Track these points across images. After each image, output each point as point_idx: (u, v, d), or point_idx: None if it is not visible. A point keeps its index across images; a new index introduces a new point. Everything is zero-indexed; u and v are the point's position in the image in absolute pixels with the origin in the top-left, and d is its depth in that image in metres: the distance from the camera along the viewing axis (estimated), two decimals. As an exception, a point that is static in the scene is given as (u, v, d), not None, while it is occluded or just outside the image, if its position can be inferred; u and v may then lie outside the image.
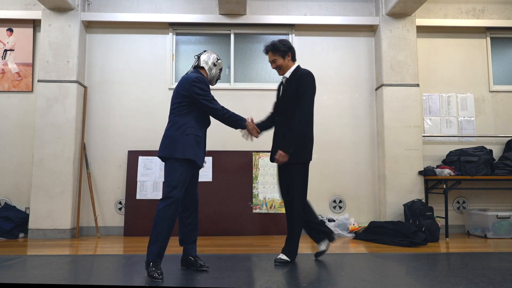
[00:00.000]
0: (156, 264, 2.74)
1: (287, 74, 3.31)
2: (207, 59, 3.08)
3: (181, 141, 2.82)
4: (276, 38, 5.45)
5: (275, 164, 5.03)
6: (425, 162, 5.21)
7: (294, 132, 3.16)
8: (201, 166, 2.98)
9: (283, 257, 3.21)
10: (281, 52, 3.27)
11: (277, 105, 3.38)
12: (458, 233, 5.16)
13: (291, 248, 3.24)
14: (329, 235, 3.40)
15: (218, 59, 3.12)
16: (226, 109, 2.99)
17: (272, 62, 3.32)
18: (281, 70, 3.32)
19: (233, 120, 3.02)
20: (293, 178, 3.22)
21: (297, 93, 3.21)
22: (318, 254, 3.42)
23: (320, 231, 3.40)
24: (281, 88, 3.38)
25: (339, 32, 5.49)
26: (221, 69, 3.16)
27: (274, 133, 3.39)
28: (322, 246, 3.38)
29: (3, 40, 5.28)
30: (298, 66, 3.34)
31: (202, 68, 3.08)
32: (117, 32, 5.33)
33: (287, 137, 3.17)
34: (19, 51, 5.27)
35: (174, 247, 3.97)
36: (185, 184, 2.83)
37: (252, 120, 3.16)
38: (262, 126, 3.35)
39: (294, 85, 3.24)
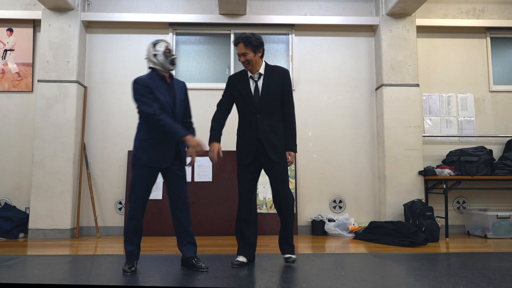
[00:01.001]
0: (127, 260, 2.91)
1: (261, 70, 3.18)
2: (147, 55, 2.98)
3: (135, 147, 2.93)
4: (276, 38, 5.52)
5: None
6: (425, 162, 5.21)
7: (294, 131, 3.21)
8: (161, 167, 2.91)
9: (294, 256, 3.19)
10: (253, 46, 3.12)
11: (255, 103, 3.13)
12: (458, 233, 5.16)
13: (293, 244, 3.25)
14: (252, 257, 3.27)
15: (154, 45, 2.95)
16: (161, 115, 2.78)
17: (242, 55, 3.11)
18: (249, 65, 3.15)
19: (169, 131, 2.80)
20: (286, 176, 3.20)
21: (283, 90, 3.17)
22: (239, 263, 3.14)
23: (253, 245, 3.26)
24: (254, 84, 3.17)
25: (339, 32, 5.49)
26: (165, 50, 2.93)
27: (252, 132, 3.13)
28: (243, 258, 3.18)
29: (3, 40, 5.28)
30: (266, 63, 3.25)
31: (151, 67, 2.99)
32: (117, 32, 5.33)
33: (292, 138, 3.18)
34: (19, 51, 5.27)
35: (174, 247, 3.97)
36: (142, 188, 2.88)
37: (218, 150, 2.99)
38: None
39: (278, 82, 3.16)
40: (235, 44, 3.17)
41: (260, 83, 3.17)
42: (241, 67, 5.37)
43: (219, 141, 3.15)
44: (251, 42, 3.11)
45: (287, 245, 3.21)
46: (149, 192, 2.94)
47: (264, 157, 3.13)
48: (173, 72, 3.11)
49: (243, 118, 3.22)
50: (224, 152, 5.06)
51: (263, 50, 3.21)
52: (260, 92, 3.15)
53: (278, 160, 3.13)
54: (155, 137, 2.88)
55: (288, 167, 3.23)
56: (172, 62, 2.95)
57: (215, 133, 3.16)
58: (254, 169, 3.20)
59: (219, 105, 3.27)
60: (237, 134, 3.25)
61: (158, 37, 5.32)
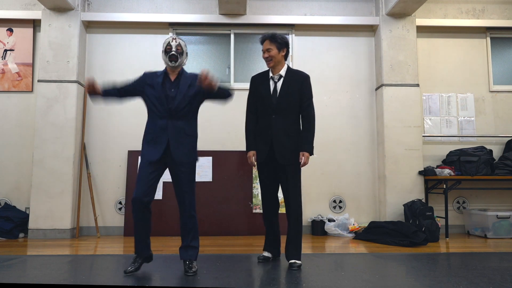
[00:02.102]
0: (134, 257, 2.90)
1: (282, 72, 3.25)
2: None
3: None
4: (276, 38, 5.51)
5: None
6: (425, 162, 5.21)
7: (312, 133, 3.20)
8: (152, 160, 2.87)
9: (299, 261, 3.12)
10: (278, 43, 3.21)
11: (272, 103, 3.20)
12: (458, 233, 5.16)
13: (300, 250, 3.19)
14: (277, 252, 3.37)
15: (164, 42, 3.00)
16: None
17: (267, 50, 3.21)
18: (271, 61, 3.23)
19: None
20: (298, 179, 3.21)
21: (301, 93, 3.20)
22: (264, 258, 3.30)
23: (278, 241, 3.38)
24: (273, 85, 3.24)
25: (339, 32, 5.49)
26: (166, 47, 2.94)
27: (266, 131, 3.21)
28: (268, 254, 3.33)
29: (3, 40, 5.28)
30: (289, 66, 3.33)
31: None
32: (117, 32, 5.33)
33: (307, 139, 3.17)
34: (19, 51, 5.27)
35: (174, 247, 3.98)
36: (140, 182, 2.82)
37: None
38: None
39: (298, 85, 3.21)
40: (261, 43, 3.26)
41: (279, 84, 3.24)
42: (241, 68, 5.44)
43: (253, 149, 3.30)
44: (276, 39, 3.22)
45: (292, 250, 3.14)
46: (147, 186, 2.81)
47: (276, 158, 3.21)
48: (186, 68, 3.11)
49: (261, 117, 3.29)
50: (224, 152, 5.13)
51: (288, 51, 3.29)
52: (278, 93, 3.21)
53: (285, 163, 3.15)
54: (149, 133, 2.94)
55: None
56: (170, 59, 2.92)
57: (249, 142, 3.33)
58: (270, 169, 3.27)
59: (248, 111, 3.40)
60: (255, 133, 3.33)
61: (158, 37, 5.35)
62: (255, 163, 3.29)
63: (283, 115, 3.19)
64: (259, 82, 3.32)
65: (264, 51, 3.24)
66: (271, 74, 3.28)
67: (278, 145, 3.16)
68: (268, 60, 3.24)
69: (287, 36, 5.45)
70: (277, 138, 3.17)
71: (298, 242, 3.16)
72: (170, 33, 5.37)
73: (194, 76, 2.97)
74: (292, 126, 3.19)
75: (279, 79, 3.24)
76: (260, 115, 3.30)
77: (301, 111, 3.23)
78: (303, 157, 3.12)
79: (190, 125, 2.96)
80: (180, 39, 2.98)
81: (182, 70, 2.99)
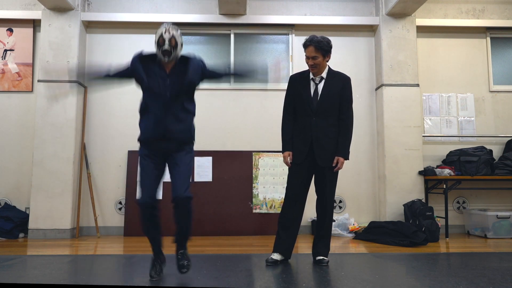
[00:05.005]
0: (152, 262, 2.74)
1: (323, 74, 3.20)
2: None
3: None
4: (276, 38, 5.51)
5: (275, 164, 5.14)
6: (425, 162, 5.21)
7: (349, 138, 3.20)
8: (141, 140, 2.72)
9: (327, 258, 3.21)
10: (324, 51, 3.11)
11: (313, 105, 3.16)
12: (458, 233, 5.16)
13: (329, 248, 3.29)
14: (289, 255, 3.32)
15: (157, 30, 2.66)
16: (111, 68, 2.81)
17: (312, 58, 3.10)
18: (316, 68, 3.16)
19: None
20: (335, 182, 3.26)
21: (342, 96, 3.18)
22: (273, 261, 3.21)
23: (293, 244, 3.34)
24: (314, 87, 3.19)
25: (339, 32, 5.49)
26: (158, 39, 2.61)
27: (306, 133, 3.17)
28: (278, 256, 3.22)
29: (3, 40, 5.28)
30: (330, 67, 3.26)
31: None
32: (117, 32, 5.33)
33: (343, 144, 3.17)
34: (19, 51, 5.27)
35: (174, 247, 3.96)
36: (145, 178, 2.67)
37: None
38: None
39: (339, 87, 3.18)
40: (305, 46, 3.15)
41: (320, 86, 3.19)
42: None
43: (290, 149, 3.23)
44: (323, 47, 3.10)
45: (323, 248, 3.24)
46: (150, 178, 2.70)
47: (315, 160, 3.17)
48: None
49: (299, 119, 3.24)
50: (224, 152, 5.12)
51: (330, 54, 3.21)
52: (319, 95, 3.18)
53: (325, 165, 3.15)
54: (148, 111, 2.75)
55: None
56: (163, 54, 2.61)
57: (286, 143, 3.25)
58: (305, 172, 3.21)
59: (285, 112, 3.32)
60: (293, 133, 3.27)
61: (158, 37, 5.33)
62: (289, 163, 3.23)
63: (324, 117, 3.16)
64: (298, 83, 3.26)
65: (309, 58, 3.13)
66: (311, 76, 3.22)
67: (318, 148, 3.14)
68: (312, 67, 3.16)
69: (286, 36, 5.50)
70: (318, 140, 3.14)
71: (329, 241, 3.27)
72: (170, 33, 5.36)
73: (187, 60, 2.72)
74: (332, 128, 3.17)
75: (320, 81, 3.20)
76: (298, 116, 3.25)
77: (340, 114, 3.19)
78: (338, 162, 3.14)
79: (191, 101, 2.78)
80: (174, 29, 2.64)
81: (177, 58, 2.71)
